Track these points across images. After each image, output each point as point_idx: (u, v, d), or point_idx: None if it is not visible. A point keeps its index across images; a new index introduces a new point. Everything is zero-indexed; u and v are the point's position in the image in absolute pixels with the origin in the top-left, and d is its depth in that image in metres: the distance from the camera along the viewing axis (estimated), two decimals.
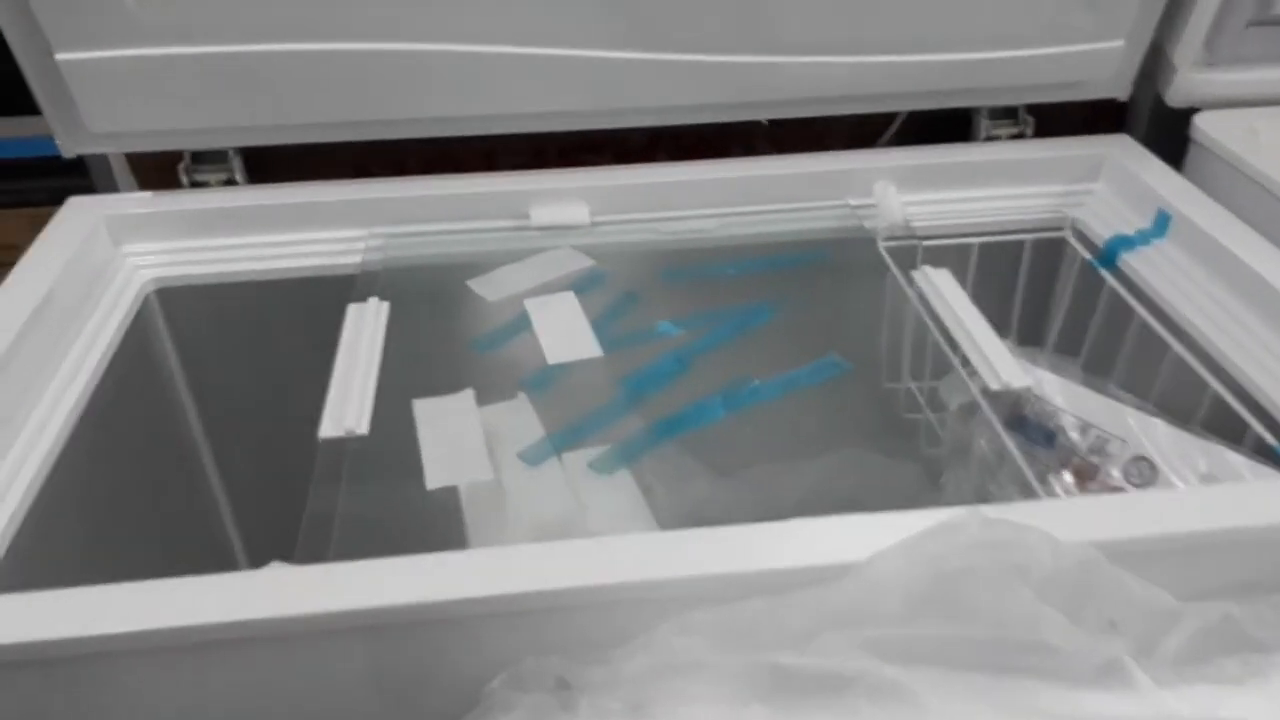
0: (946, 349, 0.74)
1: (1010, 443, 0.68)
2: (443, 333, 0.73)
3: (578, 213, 0.81)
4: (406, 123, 0.78)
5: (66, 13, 0.67)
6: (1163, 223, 0.79)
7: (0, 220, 2.06)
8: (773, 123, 0.89)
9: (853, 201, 0.84)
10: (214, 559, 0.89)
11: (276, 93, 0.74)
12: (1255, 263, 0.69)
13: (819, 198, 0.84)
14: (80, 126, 0.73)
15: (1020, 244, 0.85)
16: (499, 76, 0.76)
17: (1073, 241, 0.84)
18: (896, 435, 0.83)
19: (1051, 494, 0.70)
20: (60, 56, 0.69)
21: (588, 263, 0.77)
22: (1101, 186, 0.86)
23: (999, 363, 0.67)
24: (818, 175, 0.83)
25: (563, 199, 0.81)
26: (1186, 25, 0.82)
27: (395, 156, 0.85)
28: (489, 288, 0.75)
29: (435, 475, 0.59)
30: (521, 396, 0.71)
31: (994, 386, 0.66)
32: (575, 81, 0.77)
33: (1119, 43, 0.81)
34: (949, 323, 0.74)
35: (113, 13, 0.68)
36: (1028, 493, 0.66)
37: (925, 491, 0.79)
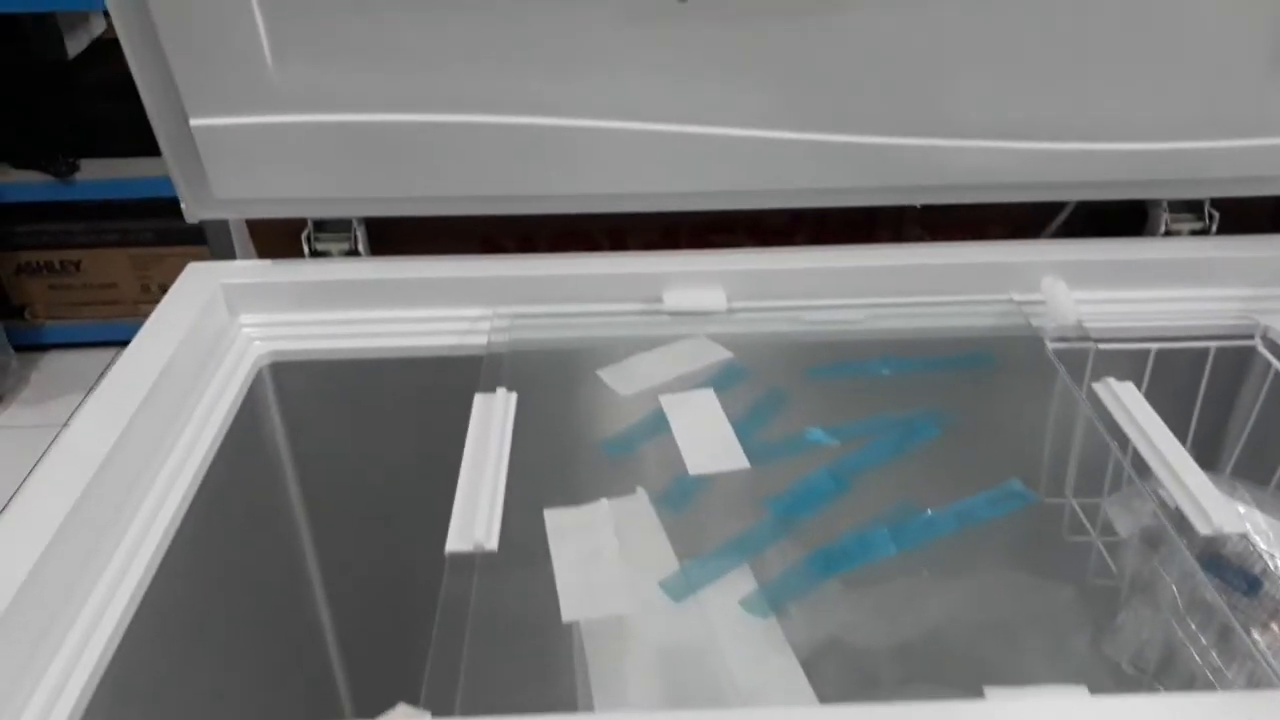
0: (1131, 473, 0.66)
1: (1212, 589, 0.60)
2: (572, 428, 0.68)
3: (714, 298, 0.75)
4: (537, 199, 0.74)
5: (206, 78, 0.65)
6: None
7: (103, 259, 2.11)
8: (925, 206, 0.83)
9: (1017, 297, 0.77)
10: (315, 670, 0.84)
11: (407, 164, 0.70)
12: None
13: (978, 291, 0.77)
14: (207, 192, 0.70)
15: (1203, 351, 0.77)
16: (633, 154, 0.71)
17: (1264, 351, 0.76)
18: (1057, 559, 0.75)
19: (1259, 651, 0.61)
20: (195, 122, 0.66)
21: (725, 355, 0.71)
22: None
23: (1206, 501, 0.59)
24: (978, 267, 0.76)
25: (698, 282, 0.75)
26: None
27: (524, 230, 0.81)
28: (621, 380, 0.69)
29: (571, 606, 0.53)
30: (640, 492, 0.65)
31: (1203, 530, 0.58)
32: (714, 161, 0.72)
33: None
34: (1137, 443, 0.66)
35: (252, 79, 0.65)
36: (1230, 648, 0.58)
37: (1092, 629, 0.71)
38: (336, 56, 0.65)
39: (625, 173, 0.72)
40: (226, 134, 0.67)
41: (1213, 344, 0.77)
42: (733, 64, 0.68)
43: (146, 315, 0.69)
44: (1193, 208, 0.80)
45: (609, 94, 0.68)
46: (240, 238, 0.81)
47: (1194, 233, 0.79)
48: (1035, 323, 0.76)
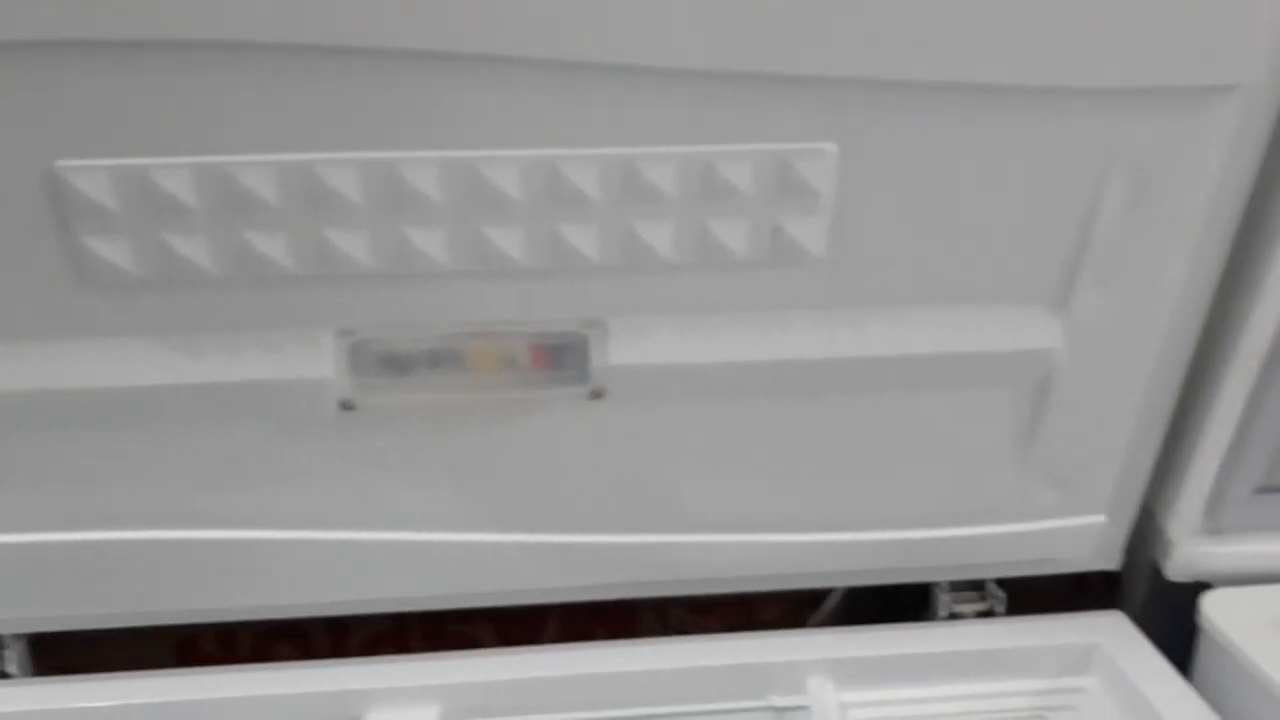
0: None
1: None
2: None
3: None
4: (227, 610, 0.65)
5: None
6: None
7: None
8: None
9: (779, 702, 0.67)
10: None
11: (61, 581, 0.61)
12: None
13: (741, 694, 0.67)
14: None
15: None
16: (318, 564, 0.62)
17: None
18: None
19: None
20: None
21: None
22: (1093, 682, 0.68)
23: None
24: (736, 669, 0.67)
25: (407, 700, 0.64)
26: (1180, 494, 0.68)
27: (226, 626, 0.71)
28: None
29: None
30: None
31: None
32: (433, 566, 0.63)
33: (1096, 518, 0.67)
34: None
35: None
36: None
37: None
38: None
39: (312, 583, 0.63)
40: None
41: None
42: (419, 468, 0.60)
43: None
44: (976, 586, 0.73)
45: (283, 504, 0.60)
46: None
47: (980, 614, 0.72)
48: None
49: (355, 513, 0.62)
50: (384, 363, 0.56)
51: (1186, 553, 0.69)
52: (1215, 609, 0.67)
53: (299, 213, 0.50)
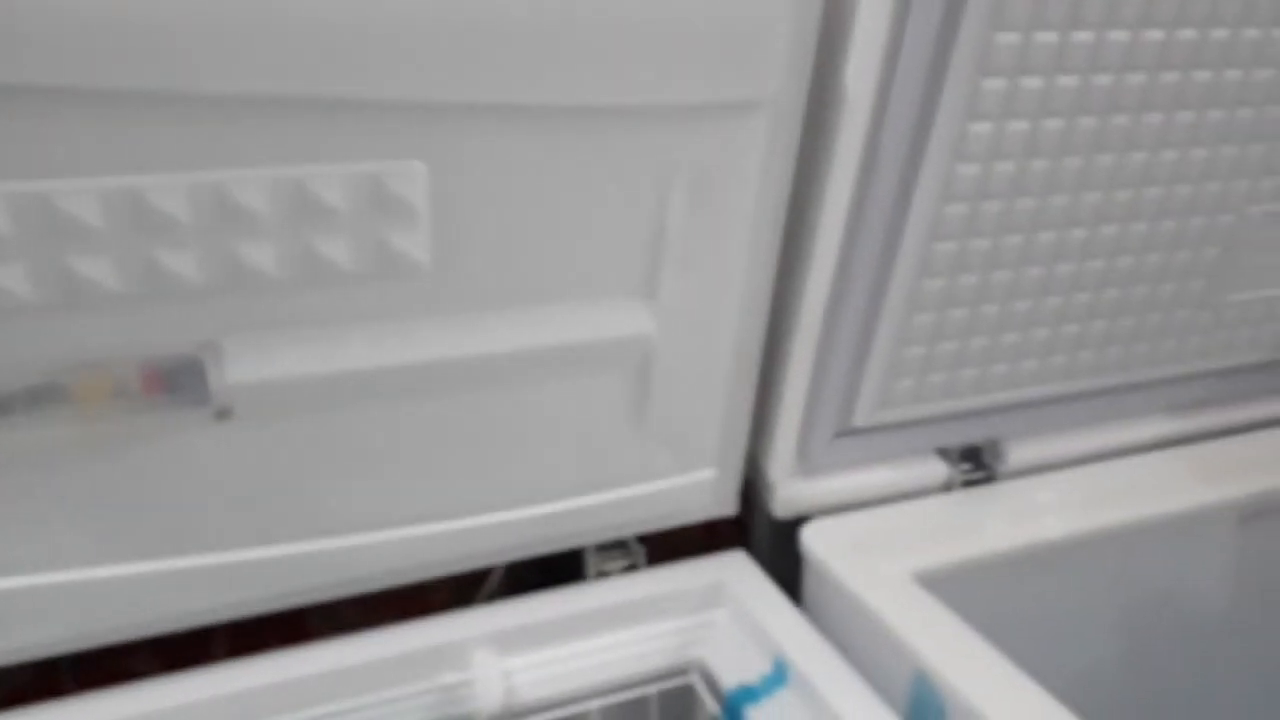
0: None
1: None
2: None
3: None
4: None
5: None
6: (781, 671, 0.73)
7: None
8: None
9: (448, 679, 0.72)
10: None
11: None
12: None
13: (413, 679, 0.71)
14: None
15: (645, 700, 0.76)
16: None
17: (700, 689, 0.76)
18: None
19: None
20: None
21: None
22: (722, 615, 0.79)
23: None
24: (404, 657, 0.71)
25: None
26: (774, 443, 0.80)
27: None
28: None
29: None
30: None
31: None
32: (75, 605, 0.62)
33: (709, 472, 0.78)
34: None
35: None
36: None
37: None
38: None
39: None
40: None
41: (652, 688, 0.77)
42: (41, 508, 0.58)
43: None
44: (620, 544, 0.81)
45: None
46: None
47: (625, 569, 0.81)
48: (469, 708, 0.71)
49: None
50: None
51: (786, 493, 0.82)
52: (810, 537, 0.81)
53: None
